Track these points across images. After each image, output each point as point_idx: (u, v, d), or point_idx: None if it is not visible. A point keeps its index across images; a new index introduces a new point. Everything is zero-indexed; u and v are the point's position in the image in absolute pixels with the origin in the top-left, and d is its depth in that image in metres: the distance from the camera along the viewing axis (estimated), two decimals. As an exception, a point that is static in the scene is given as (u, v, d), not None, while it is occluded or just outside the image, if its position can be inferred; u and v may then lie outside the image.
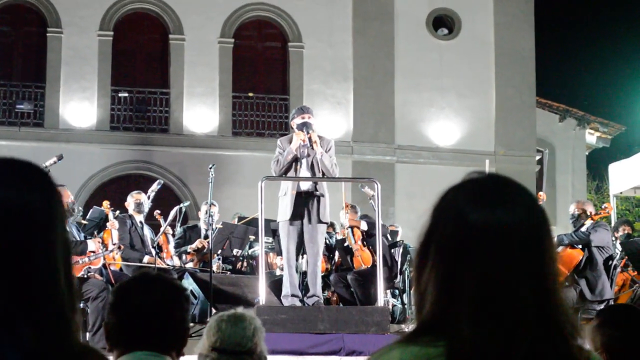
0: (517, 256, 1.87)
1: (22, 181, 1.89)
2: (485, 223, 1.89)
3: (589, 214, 12.51)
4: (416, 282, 1.96)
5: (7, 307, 1.82)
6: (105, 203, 12.85)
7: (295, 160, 10.81)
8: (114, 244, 11.95)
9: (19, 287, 1.83)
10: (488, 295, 1.85)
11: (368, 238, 13.61)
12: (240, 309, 4.01)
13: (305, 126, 10.81)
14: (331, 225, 14.84)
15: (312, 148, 10.72)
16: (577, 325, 1.92)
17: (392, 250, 14.06)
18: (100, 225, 13.12)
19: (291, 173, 10.86)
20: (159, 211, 14.42)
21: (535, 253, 1.90)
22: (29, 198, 1.87)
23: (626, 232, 14.39)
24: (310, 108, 11.57)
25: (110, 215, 12.58)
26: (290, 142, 10.87)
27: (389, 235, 14.80)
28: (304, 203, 10.73)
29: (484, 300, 1.85)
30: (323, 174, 10.80)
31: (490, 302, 1.84)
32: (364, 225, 13.82)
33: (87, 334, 10.24)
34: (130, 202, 13.32)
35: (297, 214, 10.71)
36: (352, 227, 13.87)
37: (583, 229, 12.19)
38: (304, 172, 10.81)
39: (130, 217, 13.07)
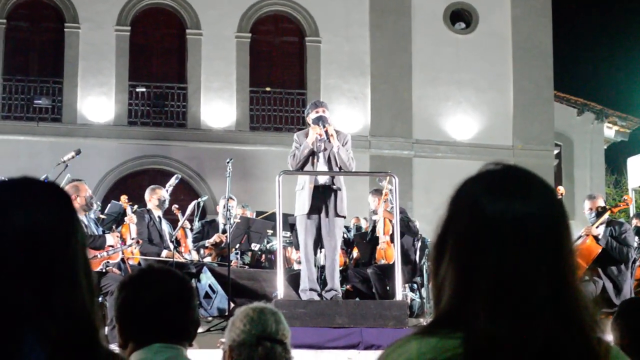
0: (534, 248, 1.86)
1: (37, 202, 1.97)
2: (502, 214, 1.87)
3: (607, 207, 12.44)
4: (433, 274, 1.96)
5: (32, 315, 1.87)
6: (124, 197, 12.86)
7: (312, 154, 10.81)
8: (132, 239, 11.98)
9: (43, 297, 1.89)
10: (505, 287, 1.84)
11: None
12: (260, 303, 4.02)
13: (320, 120, 10.81)
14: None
15: (329, 141, 10.71)
16: (596, 317, 1.91)
17: (415, 245, 14.00)
18: (118, 219, 13.15)
19: (308, 167, 10.86)
20: (177, 206, 14.46)
21: (552, 245, 1.89)
22: (45, 218, 1.95)
23: (637, 225, 14.31)
24: (325, 102, 11.57)
25: (129, 210, 12.60)
26: (306, 136, 10.88)
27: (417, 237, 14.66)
28: (321, 197, 10.73)
29: (501, 292, 1.84)
30: (340, 167, 10.80)
31: (507, 294, 1.84)
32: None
33: (106, 328, 10.24)
34: (152, 198, 13.27)
35: (315, 208, 10.72)
36: (383, 219, 13.79)
37: (602, 227, 12.04)
38: (321, 166, 10.81)
39: (149, 211, 13.07)
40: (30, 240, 1.91)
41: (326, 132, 10.69)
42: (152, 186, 13.63)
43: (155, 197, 13.20)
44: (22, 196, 1.96)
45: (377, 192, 14.08)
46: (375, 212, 14.23)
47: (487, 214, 1.88)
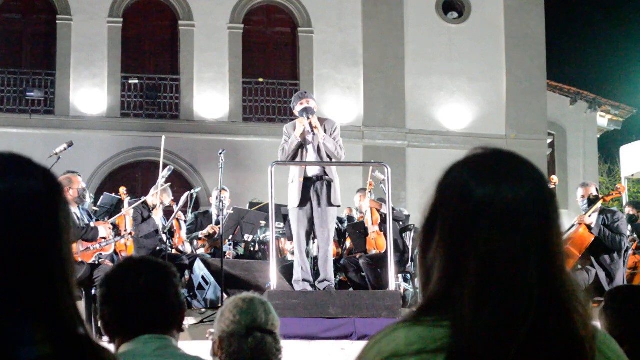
0: (524, 232, 1.85)
1: (20, 172, 1.92)
2: (492, 198, 1.87)
3: (599, 196, 12.42)
4: (421, 259, 1.94)
5: (18, 298, 1.83)
6: (122, 189, 12.87)
7: (301, 146, 10.81)
8: (125, 231, 11.97)
9: (28, 278, 1.85)
10: (494, 271, 1.83)
11: (385, 223, 13.55)
12: (249, 294, 4.02)
13: (305, 111, 10.80)
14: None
15: (314, 134, 10.70)
16: (584, 302, 1.90)
17: (404, 235, 14.03)
18: (111, 211, 13.14)
19: (298, 159, 10.84)
20: (171, 197, 14.44)
21: (542, 228, 1.88)
22: (30, 187, 1.90)
23: (629, 213, 14.33)
24: (309, 92, 11.56)
25: (126, 202, 12.61)
26: (295, 128, 10.88)
27: (402, 222, 14.75)
28: (313, 188, 10.72)
29: (489, 276, 1.83)
30: (330, 158, 10.79)
31: (495, 279, 1.83)
32: (384, 209, 13.75)
33: (100, 321, 10.21)
34: (156, 196, 13.18)
35: (307, 200, 10.71)
36: (370, 209, 13.84)
37: (595, 215, 12.02)
38: (310, 157, 10.79)
39: (144, 203, 13.06)
40: (15, 209, 1.86)
41: (310, 124, 10.68)
42: (166, 187, 13.48)
43: (159, 198, 13.13)
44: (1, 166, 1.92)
45: (363, 190, 14.24)
46: (360, 212, 14.39)
47: (477, 198, 1.87)
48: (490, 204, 1.87)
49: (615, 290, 4.62)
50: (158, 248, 12.70)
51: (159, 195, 13.13)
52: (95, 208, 13.68)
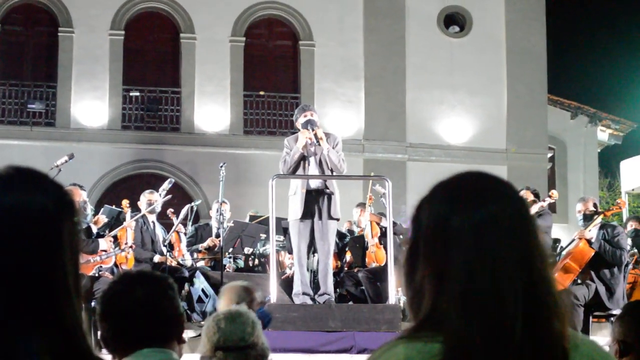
0: (497, 250, 1.91)
1: (28, 187, 1.92)
2: (462, 223, 1.93)
3: (599, 210, 12.40)
4: (409, 278, 2.00)
5: (19, 314, 1.83)
6: (125, 202, 12.89)
7: (303, 158, 10.83)
8: (125, 244, 11.97)
9: (31, 292, 1.85)
10: (476, 289, 1.88)
11: (385, 237, 13.57)
12: (234, 306, 4.06)
13: (309, 123, 10.83)
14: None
15: (319, 144, 10.73)
16: (567, 310, 1.96)
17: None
18: (111, 224, 13.14)
19: (300, 172, 10.87)
20: (172, 210, 14.46)
21: (516, 244, 1.93)
22: (36, 203, 1.90)
23: (634, 227, 14.31)
24: (312, 105, 11.61)
25: (128, 215, 12.62)
26: (297, 141, 10.90)
27: (403, 236, 14.75)
28: (314, 201, 10.74)
29: (472, 294, 1.88)
30: (332, 170, 10.81)
31: (479, 296, 1.88)
32: (384, 222, 13.76)
33: (99, 333, 10.20)
34: (142, 202, 13.33)
35: (308, 212, 10.73)
36: (370, 222, 13.86)
37: (595, 230, 11.99)
38: (312, 170, 10.82)
39: (143, 216, 13.08)
40: (23, 224, 1.86)
41: (315, 135, 10.70)
42: (147, 190, 13.65)
43: (145, 201, 13.24)
44: (10, 181, 1.92)
45: (362, 205, 14.26)
46: (358, 225, 14.43)
47: (453, 226, 1.94)
48: (461, 228, 1.93)
49: (634, 304, 4.77)
50: (158, 261, 12.70)
51: (141, 202, 13.24)
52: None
